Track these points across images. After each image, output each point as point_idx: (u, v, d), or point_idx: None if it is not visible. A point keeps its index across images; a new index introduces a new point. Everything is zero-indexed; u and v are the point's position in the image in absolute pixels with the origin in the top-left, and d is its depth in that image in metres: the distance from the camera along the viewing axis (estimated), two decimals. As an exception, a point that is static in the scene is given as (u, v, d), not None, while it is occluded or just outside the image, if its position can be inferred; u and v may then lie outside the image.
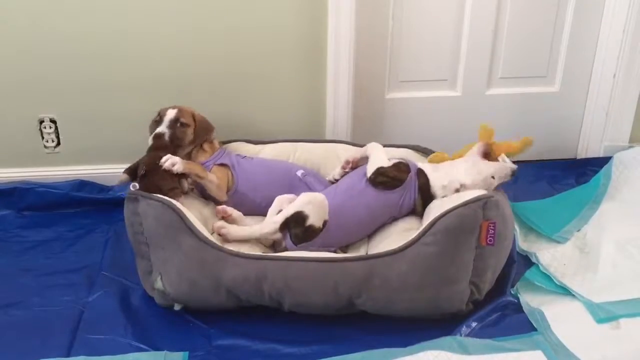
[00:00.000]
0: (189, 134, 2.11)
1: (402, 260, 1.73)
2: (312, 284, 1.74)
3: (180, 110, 2.12)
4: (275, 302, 1.78)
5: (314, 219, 1.87)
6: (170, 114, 2.10)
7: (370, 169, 1.99)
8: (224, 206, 2.02)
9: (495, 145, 2.01)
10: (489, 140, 2.02)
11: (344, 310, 1.79)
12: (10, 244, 2.20)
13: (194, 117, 2.14)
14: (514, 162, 1.96)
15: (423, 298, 1.75)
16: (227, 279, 1.75)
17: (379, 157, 2.02)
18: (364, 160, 2.08)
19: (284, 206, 1.95)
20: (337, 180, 2.10)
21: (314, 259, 1.77)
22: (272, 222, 1.90)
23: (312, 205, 1.88)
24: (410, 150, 2.25)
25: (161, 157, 1.95)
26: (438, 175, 2.00)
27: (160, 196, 1.84)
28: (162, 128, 2.07)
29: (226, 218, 1.99)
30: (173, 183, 1.94)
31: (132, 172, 1.98)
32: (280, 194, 2.00)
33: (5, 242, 2.21)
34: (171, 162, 1.95)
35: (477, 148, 2.01)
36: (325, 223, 1.89)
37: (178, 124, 2.09)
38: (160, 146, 2.04)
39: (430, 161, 2.11)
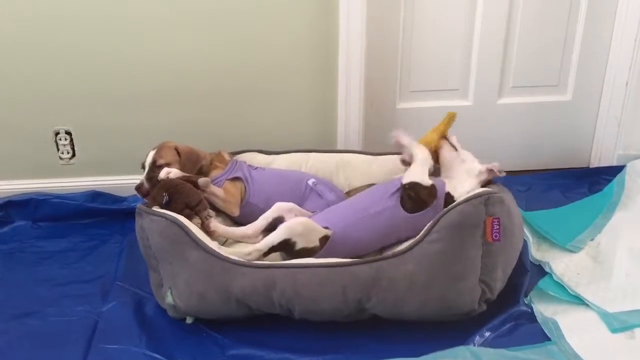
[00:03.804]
0: None
1: (408, 260, 1.74)
2: (320, 289, 1.74)
3: (159, 151, 2.05)
4: (285, 310, 1.78)
5: (304, 243, 1.84)
6: (149, 157, 2.05)
7: (408, 177, 1.94)
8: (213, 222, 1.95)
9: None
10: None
11: (355, 316, 1.79)
12: (25, 254, 2.22)
13: (177, 151, 2.07)
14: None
15: (432, 297, 1.75)
16: (236, 289, 1.75)
17: (421, 171, 1.96)
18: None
19: (281, 213, 1.94)
20: None
21: (321, 265, 1.77)
22: (256, 249, 1.83)
23: (295, 232, 1.83)
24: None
25: (175, 183, 1.93)
26: (457, 190, 1.95)
27: (163, 211, 1.83)
28: (142, 177, 2.04)
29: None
30: (198, 196, 1.93)
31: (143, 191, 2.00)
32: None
33: (20, 252, 2.23)
34: (166, 171, 1.96)
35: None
36: (326, 238, 1.86)
37: (156, 167, 2.02)
38: (144, 195, 2.01)
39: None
